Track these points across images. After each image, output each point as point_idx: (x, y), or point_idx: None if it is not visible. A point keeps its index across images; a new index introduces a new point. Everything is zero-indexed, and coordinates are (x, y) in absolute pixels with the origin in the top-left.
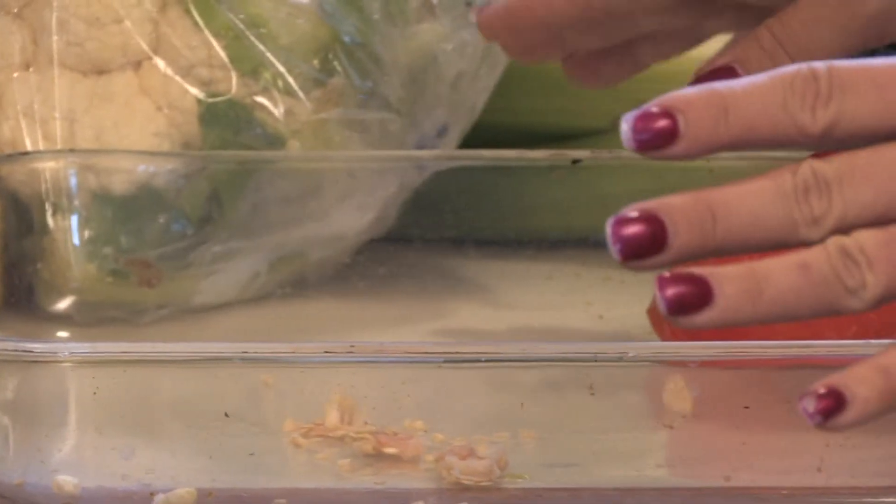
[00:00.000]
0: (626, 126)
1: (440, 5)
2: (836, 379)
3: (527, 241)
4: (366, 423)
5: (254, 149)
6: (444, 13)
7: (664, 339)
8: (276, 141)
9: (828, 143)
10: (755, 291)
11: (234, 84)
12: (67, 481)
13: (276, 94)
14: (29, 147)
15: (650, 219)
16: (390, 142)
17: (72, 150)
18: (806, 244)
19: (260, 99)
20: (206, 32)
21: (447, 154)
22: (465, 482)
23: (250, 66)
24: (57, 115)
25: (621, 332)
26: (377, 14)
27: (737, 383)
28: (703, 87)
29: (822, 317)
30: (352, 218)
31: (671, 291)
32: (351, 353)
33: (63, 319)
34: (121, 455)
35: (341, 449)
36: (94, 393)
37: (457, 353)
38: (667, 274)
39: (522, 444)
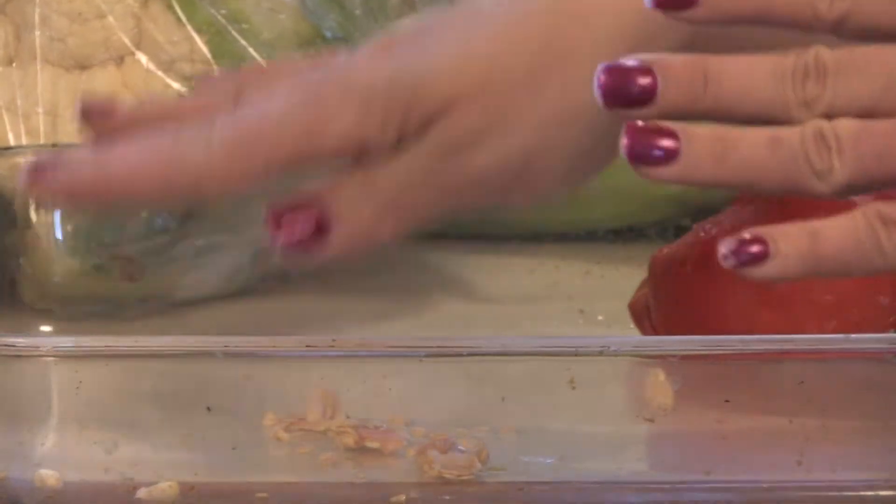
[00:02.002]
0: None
1: (420, 1)
2: (763, 229)
3: (508, 236)
4: (347, 416)
5: None
6: (425, 9)
7: (645, 333)
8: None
9: (839, 34)
10: (720, 154)
11: None
12: (50, 475)
13: None
14: (12, 142)
15: (642, 70)
16: None
17: (54, 145)
18: (795, 125)
19: None
20: (189, 28)
21: None
22: (446, 476)
23: (232, 62)
24: (40, 109)
25: (602, 327)
26: (358, 9)
27: (717, 377)
28: None
29: (787, 194)
30: None
31: (638, 139)
32: (332, 347)
33: (46, 314)
34: (103, 449)
35: (323, 443)
36: (77, 387)
37: (438, 347)
38: (639, 123)
39: (503, 437)
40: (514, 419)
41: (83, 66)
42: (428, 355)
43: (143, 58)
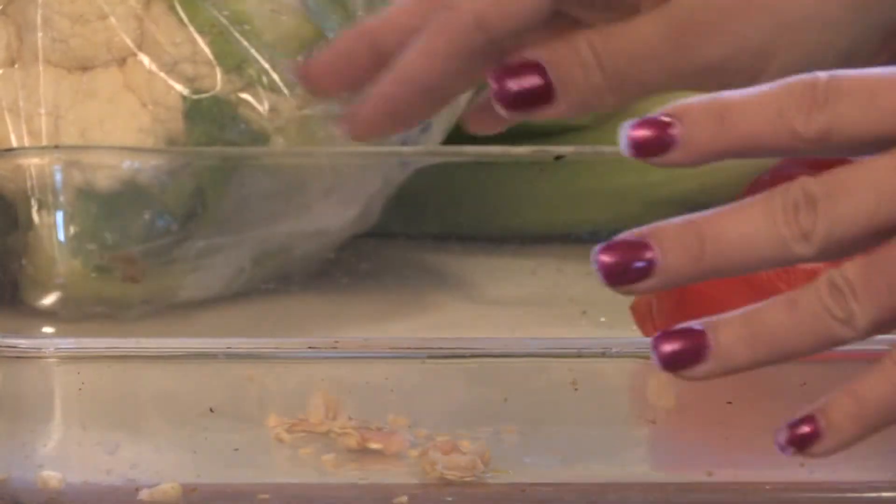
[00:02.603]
0: (623, 133)
1: None
2: (810, 407)
3: (510, 237)
4: (350, 418)
5: (238, 145)
6: None
7: (647, 334)
8: (260, 137)
9: (825, 151)
10: (750, 336)
11: (218, 80)
12: (52, 476)
13: (260, 90)
14: (14, 143)
15: (640, 245)
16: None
17: (56, 147)
18: (803, 261)
19: (244, 95)
20: (191, 29)
21: (431, 150)
22: (449, 477)
23: (234, 63)
24: (42, 111)
25: (604, 328)
26: (360, 10)
27: (720, 378)
28: (704, 97)
29: (823, 350)
30: (335, 214)
31: (667, 349)
32: (335, 348)
33: (48, 315)
34: (105, 450)
35: (325, 444)
36: (79, 388)
37: (440, 348)
38: (661, 332)
39: (505, 439)
40: (516, 420)
41: (85, 68)
42: (430, 356)
43: (145, 59)
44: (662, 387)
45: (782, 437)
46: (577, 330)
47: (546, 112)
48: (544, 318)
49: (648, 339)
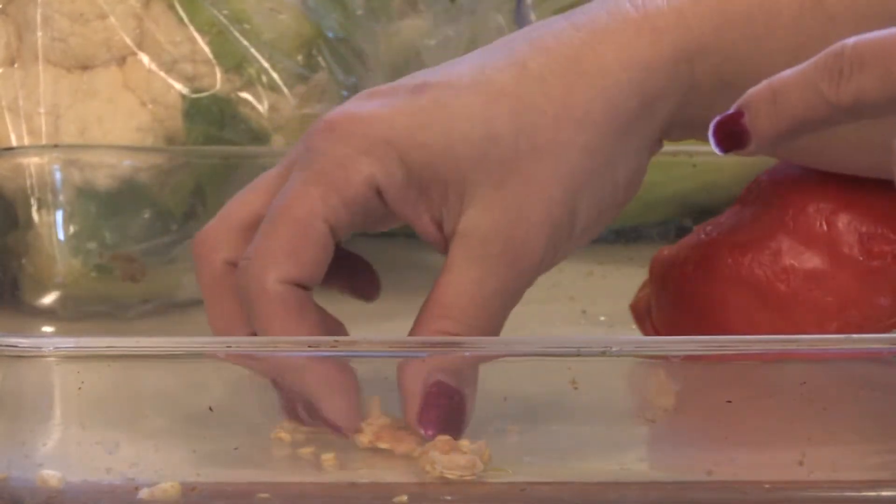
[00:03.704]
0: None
1: (423, 1)
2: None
3: None
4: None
5: (238, 144)
6: (427, 9)
7: (647, 333)
8: (260, 136)
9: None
10: (770, 105)
11: (217, 79)
12: (52, 475)
13: (259, 89)
14: (13, 142)
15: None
16: None
17: (56, 146)
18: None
19: (244, 94)
20: (190, 28)
21: None
22: (448, 476)
23: (234, 62)
24: (41, 110)
25: (604, 327)
26: (360, 10)
27: (719, 377)
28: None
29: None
30: None
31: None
32: (334, 347)
33: (48, 314)
34: (105, 449)
35: (325, 443)
36: (79, 387)
37: (440, 347)
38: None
39: (505, 438)
40: (516, 419)
41: (85, 67)
42: (430, 356)
43: (144, 58)
44: (662, 386)
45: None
46: (577, 329)
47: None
48: (544, 317)
49: (648, 339)
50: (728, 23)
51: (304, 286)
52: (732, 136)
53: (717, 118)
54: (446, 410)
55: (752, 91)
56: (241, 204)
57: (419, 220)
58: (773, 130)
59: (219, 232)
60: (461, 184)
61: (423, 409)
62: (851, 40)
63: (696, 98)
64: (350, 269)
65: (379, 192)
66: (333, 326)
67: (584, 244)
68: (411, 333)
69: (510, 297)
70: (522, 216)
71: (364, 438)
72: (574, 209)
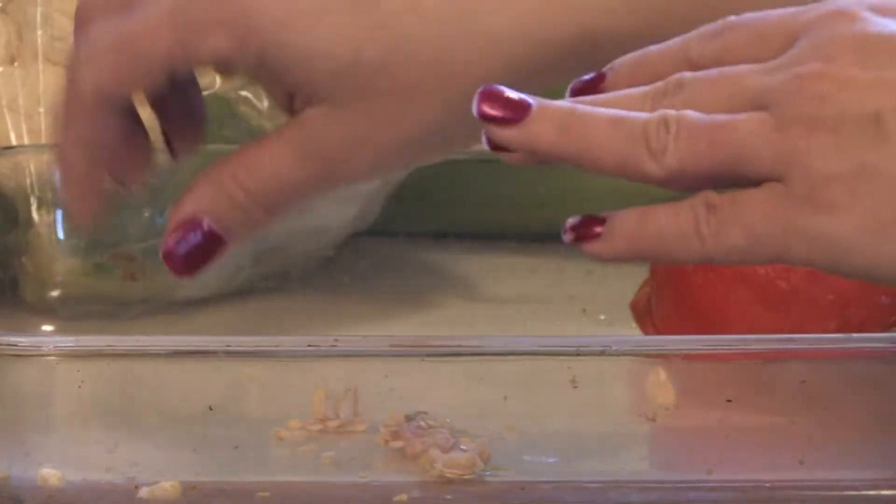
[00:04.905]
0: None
1: None
2: (609, 213)
3: (510, 235)
4: (407, 417)
5: (238, 142)
6: None
7: (647, 332)
8: (259, 135)
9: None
10: (565, 125)
11: (217, 78)
12: (52, 474)
13: (259, 88)
14: (13, 141)
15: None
16: None
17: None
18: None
19: (244, 93)
20: None
21: None
22: (448, 475)
23: None
24: (41, 109)
25: (604, 326)
26: None
27: (719, 376)
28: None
29: (622, 176)
30: (335, 211)
31: (487, 107)
32: (334, 346)
33: (47, 313)
34: (105, 448)
35: (325, 443)
36: (79, 386)
37: (440, 346)
38: (490, 88)
39: (505, 437)
40: (515, 419)
41: None
42: (430, 355)
43: None
44: (662, 385)
45: (572, 222)
46: (577, 328)
47: (222, 257)
48: (544, 316)
49: (648, 338)
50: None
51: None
52: (583, 237)
53: (574, 221)
54: (193, 247)
55: (619, 213)
56: None
57: (270, 90)
58: (626, 253)
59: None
60: (312, 86)
61: (171, 236)
62: (672, 113)
63: None
64: (185, 111)
65: (227, 62)
66: (137, 146)
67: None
68: (204, 173)
69: (305, 193)
70: (354, 142)
71: (380, 438)
72: (403, 157)
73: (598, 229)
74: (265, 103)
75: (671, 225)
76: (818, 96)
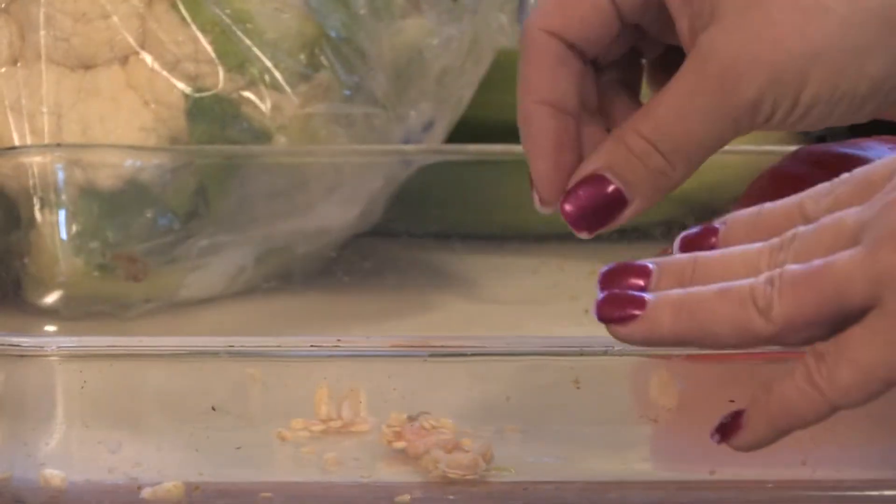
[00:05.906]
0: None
1: (425, 1)
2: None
3: (512, 236)
4: (409, 418)
5: (240, 143)
6: (430, 8)
7: None
8: (262, 135)
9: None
10: (677, 304)
11: (220, 79)
12: (54, 475)
13: (262, 88)
14: (16, 141)
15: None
16: (376, 136)
17: (59, 145)
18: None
19: (246, 94)
20: (193, 27)
21: (432, 148)
22: (451, 475)
23: (237, 61)
24: (44, 109)
25: None
26: (363, 9)
27: (722, 377)
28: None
29: (743, 343)
30: (337, 212)
31: (606, 311)
32: (337, 347)
33: (50, 313)
34: (108, 449)
35: (327, 443)
36: (82, 387)
37: (442, 346)
38: (610, 293)
39: (508, 437)
40: (518, 419)
41: (87, 66)
42: (432, 355)
43: (147, 57)
44: (665, 385)
45: (716, 424)
46: (579, 328)
47: (626, 215)
48: (546, 316)
49: None
50: None
51: (569, 43)
52: (727, 429)
53: (724, 419)
54: (594, 201)
55: (756, 394)
56: None
57: (680, 22)
58: (768, 432)
59: None
60: (716, 2)
61: (570, 192)
62: (773, 274)
63: None
64: None
65: None
66: (595, 94)
67: (804, 125)
68: (612, 136)
69: (713, 124)
70: (751, 49)
71: (384, 439)
72: (805, 72)
73: (740, 420)
74: (268, 104)
75: (792, 390)
76: None
